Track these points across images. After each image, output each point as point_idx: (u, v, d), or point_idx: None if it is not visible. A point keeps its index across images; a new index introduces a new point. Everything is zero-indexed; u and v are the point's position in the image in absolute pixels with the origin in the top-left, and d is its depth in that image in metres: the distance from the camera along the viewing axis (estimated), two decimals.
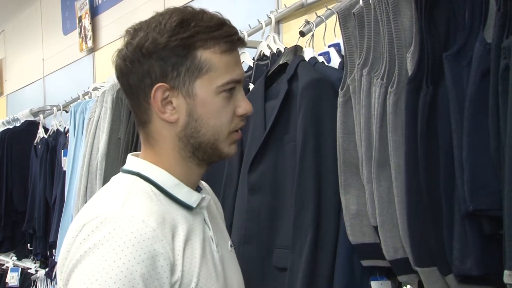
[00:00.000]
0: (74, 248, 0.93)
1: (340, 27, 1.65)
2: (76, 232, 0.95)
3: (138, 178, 1.02)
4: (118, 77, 1.06)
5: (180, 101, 1.00)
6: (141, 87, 1.01)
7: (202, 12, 1.01)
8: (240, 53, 1.08)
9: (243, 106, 1.02)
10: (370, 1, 1.54)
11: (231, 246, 1.16)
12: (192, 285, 0.96)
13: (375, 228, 1.51)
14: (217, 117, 1.00)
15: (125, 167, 1.06)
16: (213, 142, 1.01)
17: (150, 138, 1.04)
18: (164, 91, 0.99)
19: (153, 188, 1.01)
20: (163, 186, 1.01)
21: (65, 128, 3.35)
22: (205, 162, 1.05)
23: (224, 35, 0.99)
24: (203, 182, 1.18)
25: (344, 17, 1.64)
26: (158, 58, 0.98)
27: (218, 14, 1.02)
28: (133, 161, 1.06)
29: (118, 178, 1.05)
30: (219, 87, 0.99)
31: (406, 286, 1.62)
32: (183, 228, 0.99)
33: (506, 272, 1.16)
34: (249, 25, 2.21)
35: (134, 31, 1.01)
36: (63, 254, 0.97)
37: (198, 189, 1.09)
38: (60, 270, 0.97)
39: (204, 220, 1.06)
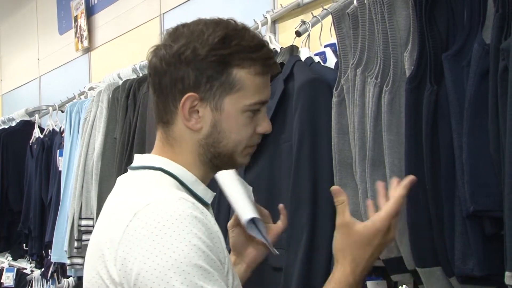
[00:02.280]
0: (130, 237, 0.93)
1: (334, 27, 1.66)
2: (127, 222, 0.94)
3: (162, 173, 1.05)
4: (150, 74, 1.07)
5: (207, 112, 1.03)
6: (172, 90, 1.03)
7: (245, 29, 1.04)
8: None
9: (263, 125, 1.07)
10: (365, 1, 1.55)
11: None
12: (230, 273, 0.98)
13: None
14: (238, 132, 1.05)
15: (143, 163, 1.08)
16: (231, 153, 1.06)
17: (170, 138, 1.07)
18: (194, 101, 1.03)
19: (176, 183, 1.04)
20: (184, 181, 1.05)
21: (60, 128, 3.34)
22: (218, 168, 1.10)
23: (262, 57, 1.03)
24: None
25: (338, 18, 1.65)
26: (195, 68, 1.01)
27: (259, 35, 1.07)
28: (151, 158, 1.08)
29: (143, 173, 1.06)
30: (246, 106, 1.03)
31: (401, 286, 1.62)
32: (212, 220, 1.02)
33: (507, 273, 1.16)
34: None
35: (176, 35, 1.04)
36: (103, 246, 0.96)
37: None
38: (102, 263, 0.96)
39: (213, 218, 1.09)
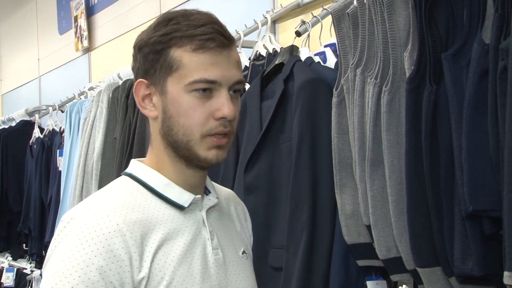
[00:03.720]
0: (52, 241, 0.98)
1: (334, 27, 1.66)
2: (58, 227, 1.00)
3: (128, 178, 1.05)
4: None
5: (157, 98, 1.01)
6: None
7: (195, 13, 1.00)
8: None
9: (221, 108, 0.98)
10: (364, 1, 1.55)
11: (243, 253, 1.14)
12: (163, 284, 0.96)
13: (368, 227, 1.52)
14: (186, 116, 0.98)
15: (126, 169, 1.09)
16: (186, 142, 0.99)
17: (150, 138, 1.07)
18: (145, 87, 1.01)
19: (141, 188, 1.03)
20: (152, 185, 1.03)
21: (60, 128, 3.34)
22: (189, 162, 1.03)
23: (198, 33, 0.97)
24: (221, 188, 1.21)
25: (338, 18, 1.65)
26: (142, 55, 1.01)
27: (212, 16, 1.01)
28: (131, 164, 1.08)
29: (114, 180, 1.08)
30: (187, 85, 0.98)
31: (401, 286, 1.62)
32: (165, 226, 1.00)
33: (506, 273, 1.16)
34: (245, 25, 2.22)
35: None
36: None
37: (206, 192, 1.10)
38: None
39: (203, 221, 1.06)
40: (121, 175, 1.08)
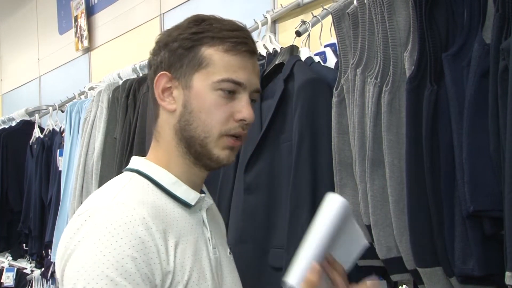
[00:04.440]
0: (68, 239, 0.96)
1: (334, 27, 1.66)
2: (71, 224, 0.98)
3: (136, 174, 1.04)
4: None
5: (179, 92, 1.02)
6: (154, 78, 1.05)
7: (224, 19, 1.04)
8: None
9: (243, 111, 1.01)
10: (365, 1, 1.55)
11: (229, 253, 1.17)
12: (185, 280, 0.97)
13: (368, 227, 1.51)
14: (208, 112, 1.00)
15: (127, 166, 1.08)
16: (202, 139, 1.01)
17: (156, 133, 1.07)
18: (167, 81, 1.03)
19: (150, 185, 1.03)
20: (161, 182, 1.03)
21: (60, 127, 3.34)
22: (198, 161, 1.04)
23: (231, 36, 1.01)
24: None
25: (338, 17, 1.65)
26: (168, 49, 1.03)
27: (242, 24, 1.06)
28: (134, 160, 1.08)
29: (118, 176, 1.07)
30: (214, 83, 1.00)
31: (402, 286, 1.62)
32: (177, 224, 1.00)
33: (507, 273, 1.16)
34: (245, 25, 2.21)
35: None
36: (59, 248, 0.99)
37: (202, 192, 1.11)
38: (57, 264, 0.99)
39: (203, 221, 1.07)
40: (123, 172, 1.07)
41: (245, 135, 1.04)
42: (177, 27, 1.04)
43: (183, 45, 1.01)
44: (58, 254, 0.99)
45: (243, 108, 1.01)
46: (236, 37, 1.01)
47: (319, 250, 1.00)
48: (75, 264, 0.92)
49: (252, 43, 1.04)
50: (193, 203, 1.04)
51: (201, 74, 1.00)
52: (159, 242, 0.94)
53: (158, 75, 1.03)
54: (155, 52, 1.05)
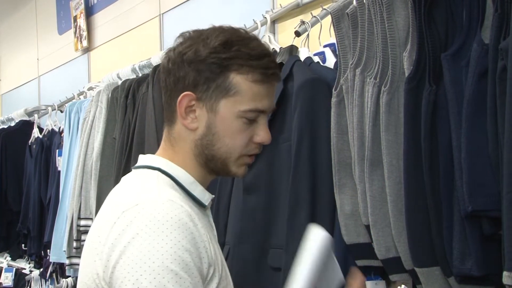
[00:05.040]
0: (115, 235, 0.96)
1: (334, 27, 1.66)
2: (115, 219, 0.97)
3: (160, 172, 1.07)
4: (161, 73, 1.11)
5: (203, 112, 1.05)
6: (174, 89, 1.06)
7: (251, 38, 1.05)
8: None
9: (262, 135, 1.06)
10: (364, 1, 1.55)
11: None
12: (217, 277, 1.00)
13: (367, 227, 1.52)
14: (232, 137, 1.05)
15: (144, 163, 1.10)
16: (224, 158, 1.06)
17: (171, 138, 1.09)
18: (191, 100, 1.05)
19: (173, 183, 1.06)
20: (181, 181, 1.06)
21: (60, 128, 3.34)
22: (214, 172, 1.09)
23: (261, 66, 1.03)
24: None
25: (338, 18, 1.65)
26: (194, 68, 1.04)
27: (266, 44, 1.08)
28: (151, 158, 1.10)
29: (140, 173, 1.08)
30: (241, 112, 1.04)
31: (400, 286, 1.62)
32: (201, 223, 1.03)
33: (505, 273, 1.16)
34: (244, 25, 2.21)
35: (186, 38, 1.07)
36: (95, 241, 0.99)
37: None
38: (101, 262, 0.97)
39: (209, 221, 1.11)
40: (144, 168, 1.08)
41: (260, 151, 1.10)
42: (204, 43, 1.03)
43: (211, 69, 1.03)
44: (92, 245, 0.98)
45: (262, 132, 1.07)
46: (265, 67, 1.04)
47: (306, 286, 1.05)
48: (133, 258, 0.92)
49: (278, 68, 1.08)
50: (207, 203, 1.09)
51: (229, 101, 1.03)
52: (204, 238, 0.98)
53: (183, 94, 1.04)
54: (178, 65, 1.05)
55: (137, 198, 0.99)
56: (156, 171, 1.06)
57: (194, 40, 1.05)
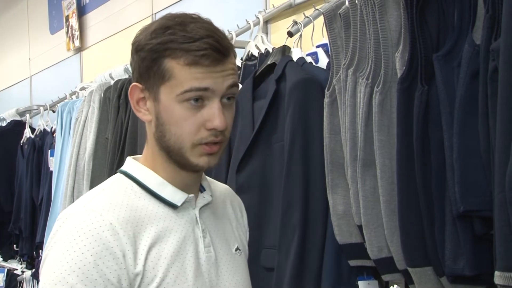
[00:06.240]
0: (47, 243, 0.99)
1: (326, 28, 1.66)
2: (53, 227, 1.01)
3: (122, 176, 1.06)
4: None
5: (151, 103, 1.02)
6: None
7: (193, 21, 0.99)
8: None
9: (213, 120, 0.98)
10: (356, 2, 1.55)
11: (237, 249, 1.15)
12: (156, 281, 0.98)
13: (360, 227, 1.52)
14: (178, 125, 0.99)
15: (122, 166, 1.10)
16: (177, 149, 1.00)
17: (146, 137, 1.08)
18: (140, 91, 1.02)
19: (135, 186, 1.04)
20: (146, 184, 1.04)
21: (52, 128, 3.33)
22: (181, 166, 1.03)
23: (193, 48, 0.96)
24: (218, 184, 1.21)
25: (330, 18, 1.65)
26: (138, 57, 1.02)
27: (210, 26, 1.00)
28: (126, 161, 1.09)
29: (109, 178, 1.09)
30: (178, 95, 0.98)
31: (393, 286, 1.63)
32: (158, 225, 1.01)
33: (496, 273, 1.17)
34: (237, 25, 2.22)
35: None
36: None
37: (201, 189, 1.11)
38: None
39: (196, 219, 1.07)
40: (116, 172, 1.09)
41: (222, 140, 1.01)
42: (146, 31, 1.01)
43: (149, 56, 0.99)
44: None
45: (213, 117, 0.98)
46: (198, 49, 0.96)
47: None
48: (45, 268, 0.96)
49: (218, 50, 0.97)
50: (179, 204, 1.05)
51: (166, 87, 0.98)
52: (126, 247, 0.96)
53: (131, 86, 1.02)
54: (132, 56, 1.04)
55: (68, 209, 1.01)
56: (119, 175, 1.06)
57: (143, 30, 1.02)
